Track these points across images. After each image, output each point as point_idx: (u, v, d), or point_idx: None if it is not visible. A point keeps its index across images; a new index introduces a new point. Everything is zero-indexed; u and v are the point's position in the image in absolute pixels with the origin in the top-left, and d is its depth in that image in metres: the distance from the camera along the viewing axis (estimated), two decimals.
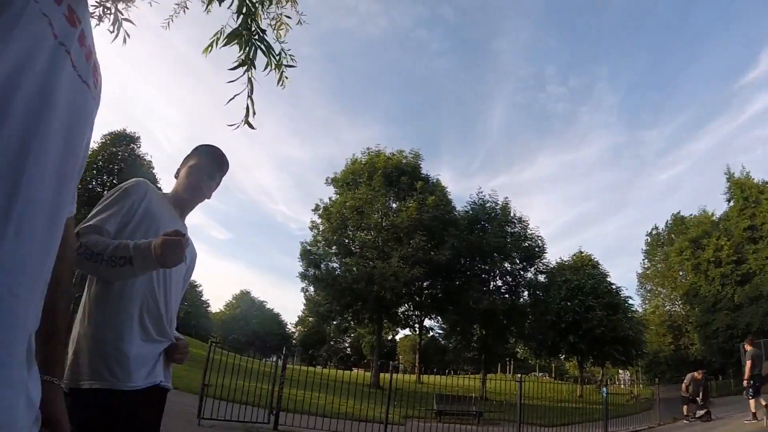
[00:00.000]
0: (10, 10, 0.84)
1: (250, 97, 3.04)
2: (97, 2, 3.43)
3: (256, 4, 3.28)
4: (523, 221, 39.06)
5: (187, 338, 2.49)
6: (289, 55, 3.42)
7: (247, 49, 3.17)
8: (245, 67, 3.07)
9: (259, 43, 3.19)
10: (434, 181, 39.59)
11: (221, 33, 3.53)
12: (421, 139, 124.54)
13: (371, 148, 40.22)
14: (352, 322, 41.31)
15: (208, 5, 3.36)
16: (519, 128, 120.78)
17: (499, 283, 38.70)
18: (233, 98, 2.85)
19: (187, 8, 3.87)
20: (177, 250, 1.90)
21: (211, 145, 2.59)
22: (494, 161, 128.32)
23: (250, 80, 3.07)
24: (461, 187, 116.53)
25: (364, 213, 36.72)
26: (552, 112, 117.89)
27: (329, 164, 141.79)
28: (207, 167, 2.51)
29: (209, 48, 3.55)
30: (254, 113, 3.04)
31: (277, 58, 3.28)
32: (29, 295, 0.86)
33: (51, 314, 1.06)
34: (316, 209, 40.07)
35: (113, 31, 3.45)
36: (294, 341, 78.28)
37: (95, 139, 32.65)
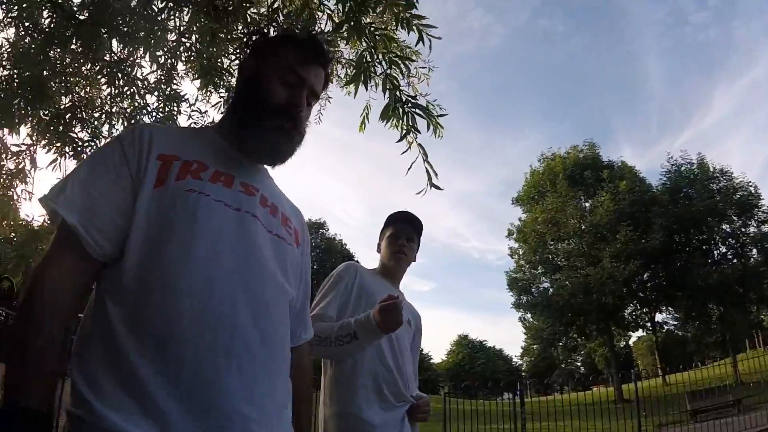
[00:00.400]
0: (195, 216, 1.10)
1: (426, 161, 3.28)
2: None
3: (397, 78, 3.53)
4: (726, 172, 34.50)
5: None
6: (436, 105, 3.64)
7: (406, 118, 3.45)
8: (411, 135, 3.36)
9: (415, 110, 3.44)
10: (619, 164, 37.25)
11: (368, 108, 4.05)
12: (586, 127, 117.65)
13: (544, 153, 39.35)
14: (579, 339, 39.51)
15: (355, 92, 3.66)
16: (680, 74, 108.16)
17: (723, 249, 34.39)
18: (410, 167, 3.14)
19: (331, 98, 4.50)
20: (394, 312, 2.06)
21: (402, 211, 2.74)
22: (670, 119, 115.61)
23: (420, 146, 3.33)
24: (647, 159, 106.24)
25: (559, 222, 35.49)
26: (704, 41, 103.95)
27: (506, 185, 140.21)
28: (404, 233, 2.66)
29: (362, 126, 4.06)
30: (436, 174, 3.26)
31: (435, 119, 3.48)
32: (259, 414, 1.06)
33: (297, 418, 1.27)
34: (509, 234, 39.87)
35: None
36: (523, 373, 76.78)
37: None
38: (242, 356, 1.05)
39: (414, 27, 3.27)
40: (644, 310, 37.46)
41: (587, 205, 35.96)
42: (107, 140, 0.99)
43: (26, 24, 4.13)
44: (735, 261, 33.18)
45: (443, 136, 3.61)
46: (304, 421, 1.38)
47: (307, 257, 1.43)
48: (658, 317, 39.15)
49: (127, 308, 1.03)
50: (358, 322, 2.14)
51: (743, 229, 33.81)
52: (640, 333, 45.80)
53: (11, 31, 4.21)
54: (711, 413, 14.50)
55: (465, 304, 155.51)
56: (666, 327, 43.79)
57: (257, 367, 1.08)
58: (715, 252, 34.30)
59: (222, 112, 4.59)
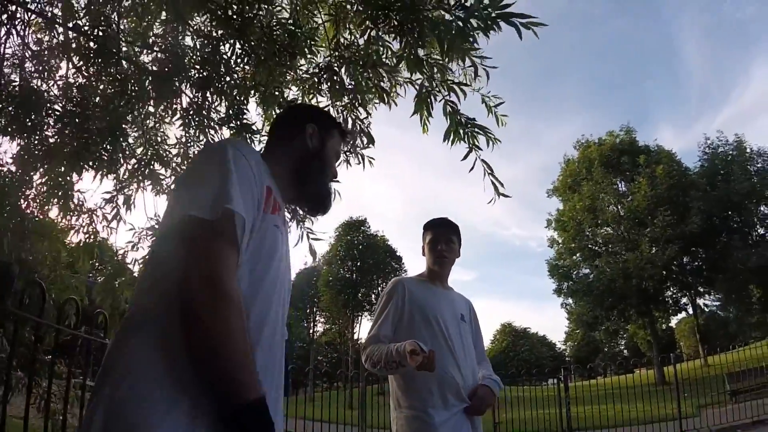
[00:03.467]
0: (275, 249, 1.31)
1: (491, 174, 3.63)
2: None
3: (456, 103, 3.85)
4: (764, 153, 34.00)
5: None
6: (492, 96, 4.03)
7: (467, 138, 3.79)
8: (474, 152, 3.73)
9: (473, 129, 3.78)
10: (655, 148, 36.77)
11: (425, 108, 4.12)
12: (625, 110, 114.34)
13: (579, 140, 39.12)
14: (621, 323, 39.44)
15: (423, 127, 4.11)
16: (719, 52, 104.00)
17: (762, 231, 33.82)
18: (483, 185, 3.62)
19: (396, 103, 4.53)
20: (428, 367, 2.26)
21: (436, 218, 2.94)
22: (709, 98, 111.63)
23: (483, 161, 3.69)
24: (687, 140, 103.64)
25: (596, 209, 35.50)
26: (744, 18, 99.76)
27: (546, 172, 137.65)
28: (442, 236, 2.84)
29: (425, 127, 4.20)
30: (502, 185, 3.62)
31: (492, 134, 3.83)
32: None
33: None
34: (548, 225, 39.91)
35: (360, 162, 4.84)
36: (567, 358, 76.06)
37: (331, 235, 37.10)
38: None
39: (470, 59, 3.41)
40: (684, 293, 37.22)
41: (625, 190, 35.77)
42: (217, 147, 1.39)
43: (103, 78, 4.52)
44: None
45: (506, 124, 4.02)
46: None
47: None
48: (700, 300, 38.80)
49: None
50: (398, 353, 2.31)
51: None
52: (682, 315, 45.34)
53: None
54: (750, 393, 14.36)
55: (507, 292, 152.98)
56: (707, 309, 43.32)
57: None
58: (754, 234, 33.79)
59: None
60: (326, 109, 4.55)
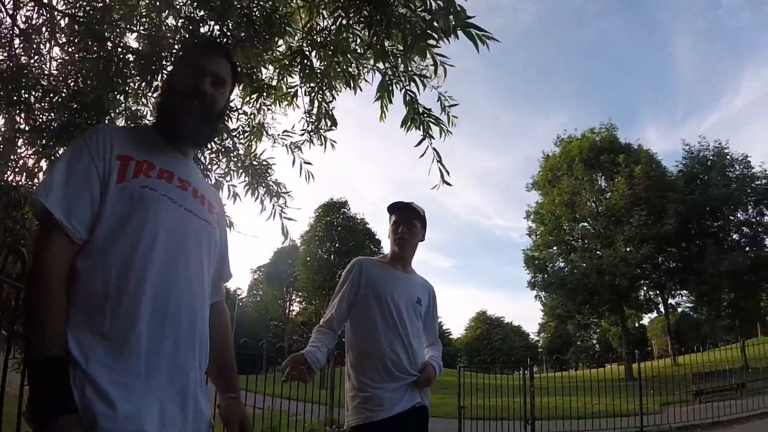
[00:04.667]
0: (145, 203, 1.40)
1: (439, 162, 3.85)
2: (303, 130, 5.04)
3: (415, 92, 4.00)
4: (743, 161, 34.31)
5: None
6: (448, 96, 4.11)
7: (422, 126, 3.96)
8: (426, 140, 3.90)
9: (428, 119, 3.98)
10: (636, 147, 37.12)
11: (386, 98, 4.21)
12: (611, 108, 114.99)
13: (560, 136, 39.37)
14: (593, 318, 40.01)
15: (381, 115, 4.21)
16: (711, 57, 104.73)
17: (736, 237, 34.30)
18: (429, 168, 3.82)
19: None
20: (298, 378, 2.45)
21: (398, 201, 2.98)
22: (697, 103, 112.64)
23: (434, 150, 3.89)
24: (670, 143, 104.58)
25: (575, 205, 35.83)
26: (737, 25, 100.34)
27: (532, 164, 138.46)
28: (403, 220, 2.90)
29: (383, 115, 4.28)
30: (448, 173, 3.83)
31: (446, 125, 4.00)
32: (190, 352, 1.41)
33: (221, 357, 1.67)
34: (527, 216, 40.22)
35: (322, 144, 5.01)
36: (540, 349, 77.35)
37: (311, 215, 36.97)
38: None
39: (431, 56, 3.43)
40: (657, 292, 37.84)
41: (604, 186, 36.11)
42: (74, 141, 1.32)
43: (87, 56, 4.65)
44: (748, 249, 32.99)
45: (452, 131, 4.07)
46: (228, 355, 1.73)
47: (224, 232, 1.74)
48: (672, 300, 39.33)
49: (92, 281, 1.32)
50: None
51: (758, 218, 33.72)
52: (653, 314, 46.08)
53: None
54: (714, 395, 14.69)
55: (485, 281, 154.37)
56: (680, 309, 43.98)
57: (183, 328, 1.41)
58: (729, 239, 34.16)
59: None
60: (295, 90, 4.90)
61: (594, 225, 35.86)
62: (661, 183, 33.86)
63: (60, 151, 4.82)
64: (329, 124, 4.98)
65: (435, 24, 3.19)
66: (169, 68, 1.72)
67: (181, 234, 1.45)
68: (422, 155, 3.88)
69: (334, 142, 5.03)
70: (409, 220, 2.90)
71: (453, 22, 3.02)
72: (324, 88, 4.79)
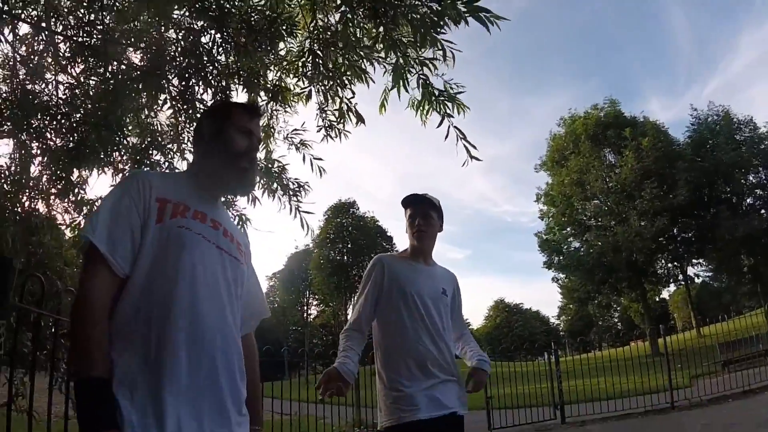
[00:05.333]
0: (183, 244, 1.52)
1: (463, 139, 3.92)
2: (319, 126, 5.18)
3: (429, 78, 4.16)
4: (750, 122, 33.99)
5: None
6: (453, 84, 4.25)
7: (439, 107, 4.10)
8: (446, 120, 4.02)
9: (443, 99, 4.12)
10: (641, 120, 36.82)
11: (387, 93, 4.61)
12: (613, 83, 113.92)
13: (564, 117, 39.21)
14: (613, 296, 39.75)
15: (390, 91, 4.38)
16: (704, 22, 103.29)
17: (750, 201, 33.96)
18: (453, 140, 3.94)
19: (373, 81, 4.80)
20: (337, 393, 2.42)
21: (411, 194, 2.92)
22: (696, 69, 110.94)
23: (456, 128, 3.99)
24: (675, 111, 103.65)
25: (584, 183, 35.58)
26: None
27: (535, 147, 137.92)
28: (418, 212, 2.84)
29: (382, 107, 4.61)
30: (475, 147, 3.90)
31: (461, 103, 4.14)
32: (226, 380, 1.51)
33: (254, 387, 1.77)
34: (537, 199, 40.14)
35: (336, 137, 5.16)
36: (561, 332, 77.03)
37: (320, 218, 37.11)
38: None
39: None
40: (675, 264, 37.53)
41: (613, 162, 35.88)
42: (117, 185, 1.38)
43: (92, 77, 4.84)
44: (763, 212, 32.67)
45: (467, 111, 4.18)
46: (254, 387, 1.80)
47: (251, 269, 1.84)
48: (691, 270, 39.11)
49: (134, 311, 1.43)
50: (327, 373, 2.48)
51: None
52: (673, 287, 45.69)
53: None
54: (743, 363, 14.44)
55: (500, 268, 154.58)
56: (699, 279, 43.62)
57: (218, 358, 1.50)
58: (743, 203, 33.86)
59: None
60: (308, 90, 5.01)
61: (605, 202, 35.57)
62: (669, 153, 33.56)
63: (74, 174, 5.14)
64: (356, 121, 5.04)
65: (446, 14, 3.25)
66: (206, 119, 1.86)
67: (215, 269, 1.57)
68: (446, 137, 3.93)
69: (348, 132, 5.16)
70: (424, 211, 2.85)
71: (464, 10, 3.09)
72: (338, 85, 4.86)
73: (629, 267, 33.09)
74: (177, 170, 4.92)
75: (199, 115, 4.67)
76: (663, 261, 36.85)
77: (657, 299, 50.40)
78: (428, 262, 2.90)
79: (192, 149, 1.92)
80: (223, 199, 2.14)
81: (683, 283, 39.60)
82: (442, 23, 3.38)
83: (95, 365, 1.32)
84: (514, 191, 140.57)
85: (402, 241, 39.27)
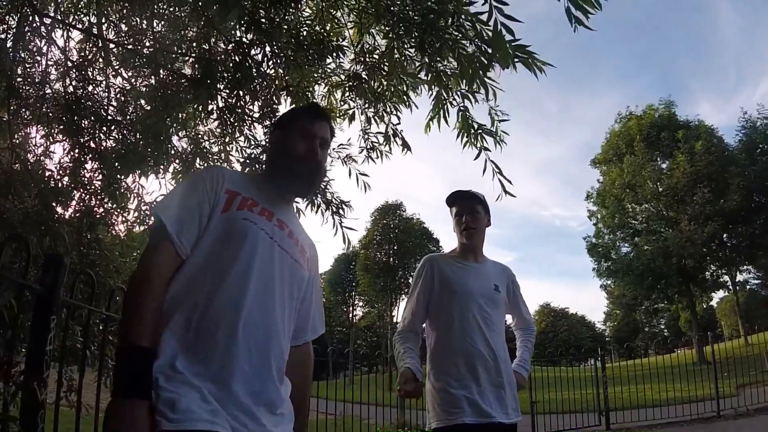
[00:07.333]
0: (244, 235, 1.53)
1: (499, 173, 3.90)
2: (362, 148, 5.25)
3: (469, 110, 4.22)
4: None
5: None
6: (498, 110, 4.26)
7: (478, 140, 4.11)
8: (483, 153, 4.04)
9: (481, 132, 4.14)
10: (695, 123, 36.01)
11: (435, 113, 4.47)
12: (663, 82, 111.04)
13: (621, 113, 38.69)
14: (661, 303, 38.96)
15: (431, 121, 4.43)
16: (755, 20, 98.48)
17: None
18: (492, 183, 3.95)
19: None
20: (413, 395, 2.52)
21: (456, 191, 2.87)
22: (747, 65, 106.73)
23: (493, 162, 3.97)
24: (727, 113, 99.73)
25: (636, 186, 35.09)
26: None
27: (585, 148, 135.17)
28: (465, 208, 2.80)
29: (428, 128, 4.51)
30: (510, 183, 3.89)
31: (498, 134, 4.17)
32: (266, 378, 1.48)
33: (294, 399, 1.65)
34: (588, 197, 39.75)
35: (377, 158, 5.25)
36: (607, 338, 75.49)
37: (367, 219, 37.64)
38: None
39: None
40: (725, 270, 36.55)
41: (664, 166, 35.20)
42: (193, 173, 1.62)
43: (143, 84, 4.95)
44: None
45: (504, 146, 4.19)
46: (302, 398, 1.76)
47: (314, 276, 1.83)
48: (740, 277, 38.13)
49: (187, 293, 1.44)
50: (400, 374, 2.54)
51: None
52: (721, 294, 44.30)
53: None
54: None
55: (547, 272, 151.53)
56: (748, 286, 42.27)
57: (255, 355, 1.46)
58: None
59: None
60: (353, 112, 5.13)
61: (656, 206, 34.98)
62: (722, 158, 32.71)
63: (128, 178, 5.26)
64: (403, 149, 5.15)
65: (494, 57, 3.26)
66: (276, 128, 1.91)
67: (272, 265, 1.56)
68: (484, 171, 3.95)
69: (389, 154, 5.23)
70: (471, 207, 2.80)
71: (512, 53, 3.03)
72: (384, 110, 4.95)
73: (679, 273, 32.49)
74: None
75: (245, 127, 4.96)
76: (712, 267, 35.97)
77: (705, 306, 48.95)
78: (479, 259, 2.83)
79: (240, 158, 1.97)
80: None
81: (731, 289, 38.55)
82: (490, 67, 3.39)
83: (145, 335, 1.32)
84: (564, 194, 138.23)
85: (449, 243, 39.35)
